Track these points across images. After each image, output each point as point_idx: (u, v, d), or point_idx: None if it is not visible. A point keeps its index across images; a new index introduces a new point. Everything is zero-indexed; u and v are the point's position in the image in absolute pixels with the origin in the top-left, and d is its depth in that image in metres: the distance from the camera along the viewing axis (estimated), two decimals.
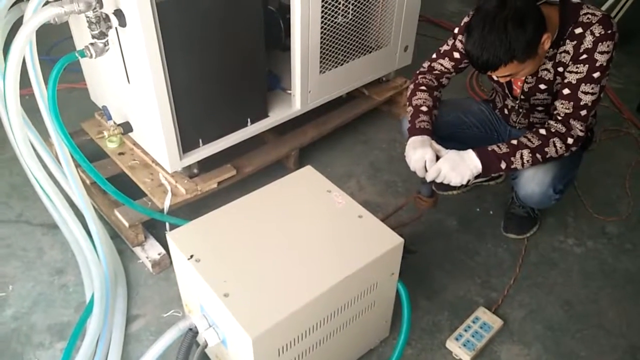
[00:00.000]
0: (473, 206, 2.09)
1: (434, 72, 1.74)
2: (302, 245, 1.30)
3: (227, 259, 1.26)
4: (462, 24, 1.67)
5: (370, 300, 1.37)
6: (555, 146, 1.49)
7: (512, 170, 1.52)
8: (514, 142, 1.51)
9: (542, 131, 1.51)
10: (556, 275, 1.81)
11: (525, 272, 1.82)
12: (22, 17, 1.50)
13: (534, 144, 1.50)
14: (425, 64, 1.76)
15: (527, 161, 1.50)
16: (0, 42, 1.59)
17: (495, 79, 1.68)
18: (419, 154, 1.54)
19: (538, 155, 1.50)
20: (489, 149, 1.51)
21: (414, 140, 1.58)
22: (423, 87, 1.70)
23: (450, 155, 1.51)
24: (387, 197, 2.12)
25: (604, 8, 3.06)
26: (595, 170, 2.24)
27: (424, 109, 1.65)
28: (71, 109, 2.45)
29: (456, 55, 1.69)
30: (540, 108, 1.70)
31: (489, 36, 1.34)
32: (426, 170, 1.54)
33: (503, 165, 1.50)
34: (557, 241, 1.94)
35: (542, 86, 1.59)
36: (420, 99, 1.67)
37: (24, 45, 1.38)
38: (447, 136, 1.77)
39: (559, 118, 1.51)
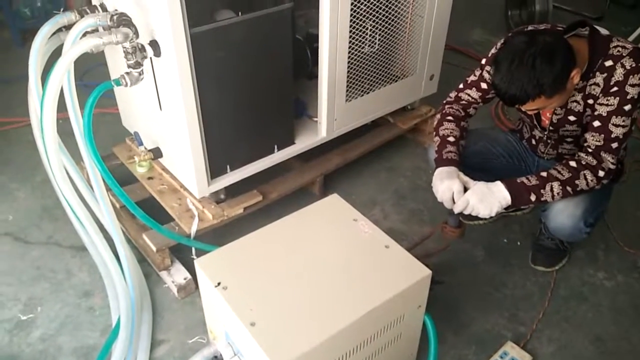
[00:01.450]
0: (500, 236, 2.07)
1: (461, 102, 1.74)
2: (328, 275, 1.30)
3: (253, 287, 1.26)
4: (489, 55, 1.67)
5: (397, 333, 1.35)
6: (586, 179, 1.47)
7: (542, 202, 1.51)
8: (544, 174, 1.50)
9: (573, 163, 1.49)
10: (586, 310, 1.77)
11: (555, 306, 1.78)
12: (61, 45, 1.56)
13: (564, 176, 1.48)
14: (452, 94, 1.77)
15: (558, 194, 1.48)
16: (39, 69, 1.65)
17: (523, 110, 1.68)
18: (446, 185, 1.54)
19: (569, 188, 1.48)
20: (518, 181, 1.50)
21: (441, 171, 1.58)
22: (450, 117, 1.70)
23: (478, 187, 1.50)
24: (412, 226, 2.10)
25: (631, 38, 3.04)
26: (625, 203, 2.20)
27: (451, 139, 1.65)
28: (103, 133, 2.50)
29: (483, 85, 1.70)
30: (569, 139, 1.68)
31: (516, 71, 1.35)
32: (454, 202, 1.53)
33: (533, 198, 1.48)
34: (587, 275, 1.90)
35: (572, 118, 1.58)
36: (447, 129, 1.68)
37: (63, 75, 1.44)
38: (474, 166, 1.76)
39: (590, 150, 1.49)
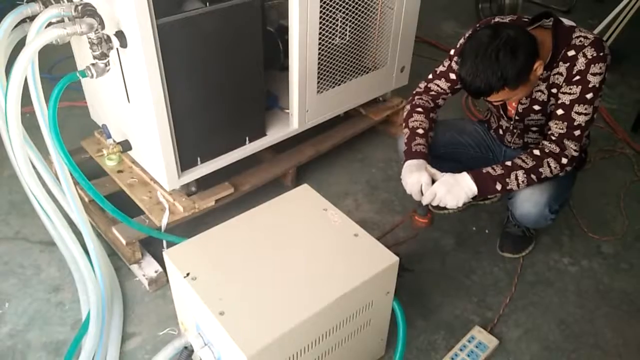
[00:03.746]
0: (469, 224, 2.11)
1: (430, 92, 1.77)
2: (298, 263, 1.31)
3: (223, 277, 1.27)
4: (457, 46, 1.70)
5: (366, 319, 1.37)
6: (549, 166, 1.51)
7: (508, 191, 1.54)
8: (508, 163, 1.53)
9: (536, 152, 1.53)
10: (552, 295, 1.82)
11: (521, 291, 1.83)
12: (25, 36, 1.53)
13: (528, 164, 1.52)
14: (422, 85, 1.79)
15: (522, 182, 1.52)
16: (2, 61, 1.62)
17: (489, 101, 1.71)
18: (415, 177, 1.57)
19: (533, 176, 1.52)
20: (484, 171, 1.53)
21: (409, 164, 1.60)
22: (419, 109, 1.73)
23: (445, 179, 1.53)
24: (384, 215, 2.13)
25: (597, 30, 3.12)
26: (590, 190, 2.26)
27: (420, 131, 1.68)
28: (71, 127, 2.47)
29: (452, 76, 1.72)
30: (534, 128, 1.72)
31: (481, 64, 1.38)
32: (422, 194, 1.56)
33: (498, 187, 1.52)
34: (553, 260, 1.95)
35: (536, 107, 1.62)
36: (416, 121, 1.70)
37: (27, 65, 1.41)
38: (443, 156, 1.80)
39: (553, 138, 1.53)
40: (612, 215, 2.17)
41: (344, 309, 1.27)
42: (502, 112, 1.73)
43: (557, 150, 1.52)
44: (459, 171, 1.87)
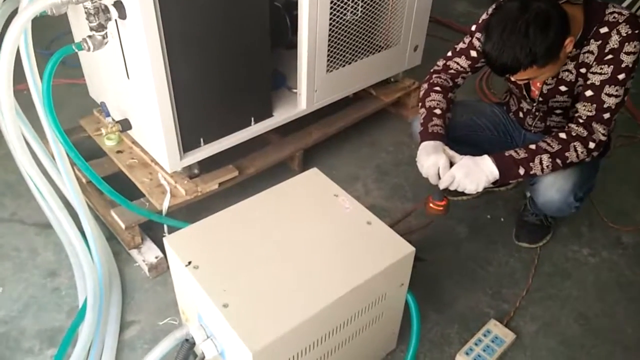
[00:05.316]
0: (483, 213, 2.02)
1: (449, 71, 1.67)
2: (307, 253, 1.23)
3: (227, 267, 1.18)
4: (479, 21, 1.60)
5: (378, 312, 1.29)
6: (576, 151, 1.41)
7: (531, 176, 1.45)
8: (533, 146, 1.44)
9: (563, 135, 1.44)
10: (570, 287, 1.74)
11: (538, 283, 1.74)
12: (18, 9, 1.43)
13: (553, 148, 1.42)
14: (440, 62, 1.70)
15: (547, 166, 1.42)
16: None
17: (513, 80, 1.61)
18: (432, 160, 1.47)
19: (558, 160, 1.42)
20: (506, 154, 1.44)
21: (426, 146, 1.51)
22: (437, 88, 1.63)
23: (464, 162, 1.44)
24: (395, 202, 2.04)
25: (625, 4, 2.98)
26: (609, 178, 2.16)
27: (438, 111, 1.58)
28: (71, 106, 2.38)
29: (473, 53, 1.62)
30: (558, 111, 1.62)
31: (509, 39, 1.28)
32: (439, 178, 1.47)
33: (521, 172, 1.42)
34: (571, 251, 1.87)
35: (563, 88, 1.52)
36: (434, 100, 1.60)
37: (19, 35, 1.31)
38: (459, 138, 1.70)
39: (581, 121, 1.43)
40: (633, 205, 2.07)
41: (355, 302, 1.19)
42: (525, 92, 1.63)
43: (585, 133, 1.42)
44: (476, 154, 1.80)
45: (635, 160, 2.29)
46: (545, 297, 1.70)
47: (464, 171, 1.43)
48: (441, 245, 1.87)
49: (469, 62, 1.64)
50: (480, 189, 1.44)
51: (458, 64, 1.66)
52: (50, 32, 2.84)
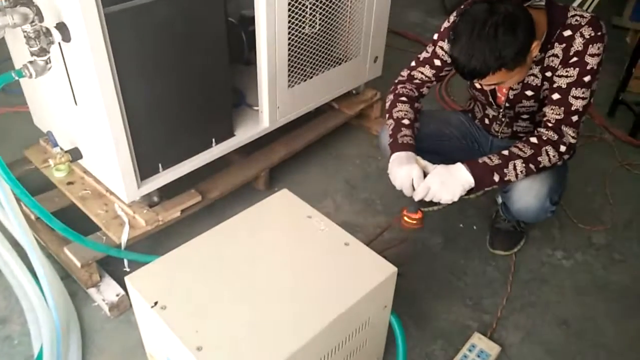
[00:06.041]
0: (455, 221, 1.99)
1: (414, 80, 1.64)
2: (284, 282, 1.15)
3: (198, 305, 1.09)
4: (442, 30, 1.57)
5: (362, 339, 1.22)
6: (548, 154, 1.40)
7: (505, 183, 1.42)
8: (505, 152, 1.41)
9: (534, 140, 1.41)
10: (549, 292, 1.72)
11: (517, 291, 1.72)
12: None
13: (526, 153, 1.40)
14: (405, 73, 1.66)
15: (521, 172, 1.39)
16: None
17: (478, 87, 1.59)
18: (405, 170, 1.42)
19: (531, 165, 1.40)
20: (480, 161, 1.41)
21: (398, 157, 1.46)
22: (403, 98, 1.59)
23: (439, 171, 1.40)
24: (366, 217, 1.98)
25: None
26: (573, 179, 2.16)
27: (406, 122, 1.54)
28: (15, 136, 2.23)
29: (437, 62, 1.60)
30: (525, 116, 1.61)
31: (477, 42, 1.25)
32: (413, 189, 1.42)
33: (496, 178, 1.39)
34: (546, 255, 1.85)
35: (529, 92, 1.50)
36: (401, 110, 1.56)
37: None
38: (426, 148, 1.66)
39: (550, 125, 1.42)
40: (599, 204, 2.09)
41: (339, 331, 1.11)
42: (491, 99, 1.60)
43: (555, 137, 1.40)
44: (444, 162, 1.77)
45: (596, 159, 2.33)
46: (525, 305, 1.67)
47: (439, 180, 1.39)
48: (416, 258, 1.82)
49: (434, 72, 1.62)
50: (456, 199, 1.40)
51: (422, 73, 1.63)
52: None
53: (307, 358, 1.06)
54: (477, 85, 1.57)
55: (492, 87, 1.44)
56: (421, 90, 1.64)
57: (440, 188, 1.38)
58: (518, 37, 1.25)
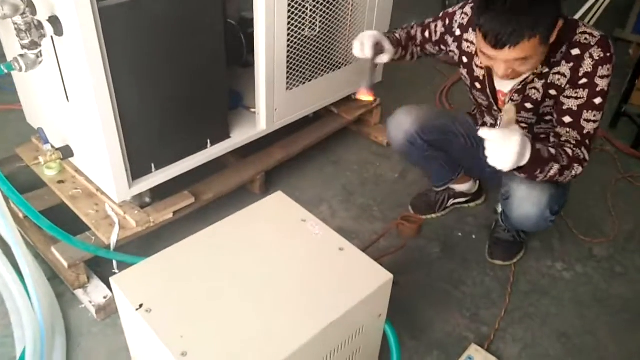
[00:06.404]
0: (454, 230, 1.95)
1: (407, 30, 1.69)
2: (275, 287, 1.11)
3: (184, 309, 1.04)
4: (448, 12, 1.61)
5: (356, 347, 1.18)
6: (573, 171, 1.33)
7: (532, 178, 1.33)
8: (553, 151, 1.31)
9: (569, 152, 1.33)
10: (548, 305, 1.67)
11: (516, 302, 1.67)
12: None
13: (564, 162, 1.32)
14: (412, 24, 1.71)
15: (550, 176, 1.31)
16: None
17: (479, 87, 1.56)
18: (368, 32, 1.50)
19: (558, 175, 1.32)
20: (537, 147, 1.27)
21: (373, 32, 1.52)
22: (399, 30, 1.68)
23: (515, 133, 1.19)
24: (363, 223, 1.94)
25: (577, 16, 3.04)
26: (575, 190, 2.13)
27: (396, 32, 1.65)
28: (8, 133, 2.20)
29: (426, 34, 1.66)
30: (524, 125, 1.57)
31: (515, 5, 1.19)
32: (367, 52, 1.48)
33: (537, 171, 1.29)
34: (545, 266, 1.81)
35: (529, 105, 1.48)
36: (395, 33, 1.66)
37: None
38: (434, 143, 1.70)
39: (573, 143, 1.36)
40: (601, 216, 2.05)
41: (331, 340, 1.07)
42: (492, 99, 1.56)
43: (582, 156, 1.34)
44: (447, 162, 1.81)
45: (598, 170, 2.29)
46: (524, 317, 1.63)
47: (503, 139, 1.19)
48: (413, 267, 1.78)
49: (421, 38, 1.66)
50: (504, 167, 1.21)
51: (417, 32, 1.68)
52: None
53: None
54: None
55: (510, 69, 1.32)
56: (413, 39, 1.68)
57: (502, 148, 1.19)
58: (552, 7, 1.22)
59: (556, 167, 1.31)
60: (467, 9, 1.55)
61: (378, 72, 2.32)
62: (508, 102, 1.51)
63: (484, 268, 1.79)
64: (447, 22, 1.60)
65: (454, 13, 1.58)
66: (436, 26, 1.63)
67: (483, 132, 1.19)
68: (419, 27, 1.68)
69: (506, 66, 1.31)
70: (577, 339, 1.57)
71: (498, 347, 1.53)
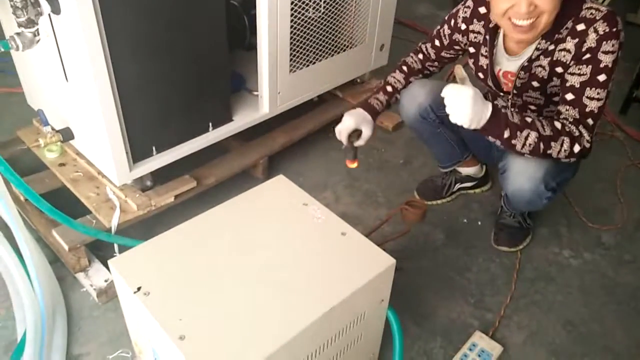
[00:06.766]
0: (459, 216, 1.92)
1: (419, 55, 1.69)
2: (275, 271, 1.08)
3: (183, 292, 1.03)
4: (453, 11, 1.58)
5: (357, 334, 1.16)
6: (562, 145, 1.30)
7: (509, 145, 1.30)
8: (528, 119, 1.30)
9: (557, 124, 1.31)
10: (555, 292, 1.65)
11: (522, 289, 1.65)
12: None
13: (545, 131, 1.29)
14: (420, 44, 1.70)
15: (529, 145, 1.29)
16: None
17: (482, 77, 1.53)
18: (346, 120, 1.53)
19: (542, 146, 1.29)
20: (503, 111, 1.29)
21: (355, 110, 1.57)
22: (404, 68, 1.67)
23: (467, 89, 1.22)
24: (367, 209, 1.92)
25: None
26: (584, 176, 2.09)
27: (389, 89, 1.64)
28: (11, 116, 2.18)
29: (437, 42, 1.63)
30: (532, 107, 1.54)
31: None
32: (349, 141, 1.53)
33: (505, 134, 1.27)
34: (552, 253, 1.78)
35: (535, 84, 1.44)
36: (394, 77, 1.66)
37: None
38: (447, 119, 1.59)
39: (570, 121, 1.33)
40: (610, 203, 2.02)
41: (332, 325, 1.05)
42: (491, 83, 1.53)
43: (577, 133, 1.31)
44: (457, 142, 1.81)
45: (607, 156, 2.25)
46: (529, 304, 1.60)
47: (459, 94, 1.22)
48: (417, 253, 1.76)
49: (434, 51, 1.65)
50: (464, 122, 1.24)
51: (427, 49, 1.67)
52: None
53: (296, 352, 1.00)
54: (483, 64, 1.52)
55: (531, 7, 1.25)
56: (425, 65, 1.68)
57: (456, 101, 1.23)
58: None
59: (534, 134, 1.27)
60: (469, 2, 1.53)
61: (383, 55, 2.28)
62: (515, 80, 1.47)
63: (490, 254, 1.77)
64: (453, 22, 1.58)
65: (457, 10, 1.57)
66: (443, 31, 1.61)
67: (443, 91, 1.26)
68: (426, 43, 1.67)
69: (529, 1, 1.25)
70: (583, 327, 1.55)
71: (503, 335, 1.51)
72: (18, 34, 1.27)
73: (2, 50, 1.25)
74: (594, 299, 1.63)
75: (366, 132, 1.55)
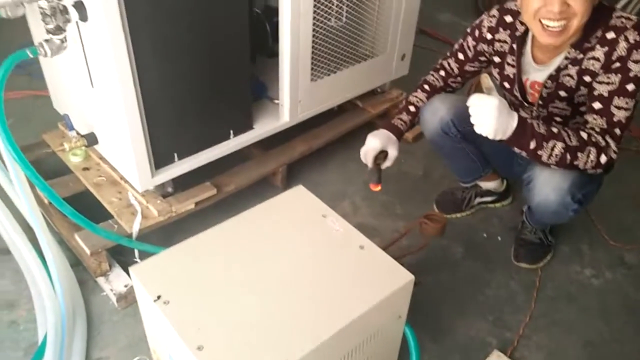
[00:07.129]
0: (479, 231, 1.90)
1: (441, 72, 1.67)
2: (293, 283, 1.09)
3: (201, 302, 1.03)
4: (477, 23, 1.56)
5: (373, 350, 1.15)
6: (589, 156, 1.28)
7: (534, 156, 1.29)
8: (555, 129, 1.29)
9: (584, 135, 1.29)
10: (575, 312, 1.62)
11: (542, 308, 1.62)
12: None
13: (572, 142, 1.27)
14: (439, 61, 1.68)
15: (556, 156, 1.27)
16: None
17: (508, 87, 1.51)
18: (372, 144, 1.52)
19: (568, 156, 1.28)
20: (529, 121, 1.28)
21: (379, 130, 1.56)
22: (426, 86, 1.66)
23: (493, 100, 1.23)
24: (385, 221, 1.91)
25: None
26: (607, 193, 2.04)
27: (412, 108, 1.63)
28: (38, 119, 2.22)
29: (460, 56, 1.61)
30: (558, 119, 1.52)
31: None
32: (375, 163, 1.53)
33: (532, 145, 1.27)
34: (574, 272, 1.75)
35: (563, 93, 1.42)
36: (416, 97, 1.65)
37: None
38: (468, 134, 1.60)
39: (598, 130, 1.31)
40: (634, 221, 1.98)
41: (349, 340, 1.05)
42: (517, 93, 1.51)
43: (603, 144, 1.29)
44: (478, 157, 1.76)
45: (631, 173, 2.21)
46: (550, 324, 1.58)
47: (485, 105, 1.23)
48: (436, 267, 1.74)
49: (457, 65, 1.63)
50: (489, 133, 1.24)
51: (449, 65, 1.65)
52: (16, 42, 2.68)
53: None
54: (509, 73, 1.51)
55: (564, 6, 1.23)
56: (448, 82, 1.67)
57: (481, 111, 1.23)
58: None
59: (560, 145, 1.26)
60: (494, 12, 1.52)
61: (404, 65, 2.27)
62: (542, 90, 1.45)
63: (509, 271, 1.74)
64: (477, 32, 1.56)
65: (482, 21, 1.55)
66: (467, 43, 1.59)
67: (467, 100, 1.25)
68: (448, 59, 1.65)
69: (562, 0, 1.23)
70: (603, 347, 1.51)
71: (522, 354, 1.49)
72: (47, 40, 1.30)
73: (32, 56, 1.28)
74: (614, 319, 1.60)
75: (392, 152, 1.54)
